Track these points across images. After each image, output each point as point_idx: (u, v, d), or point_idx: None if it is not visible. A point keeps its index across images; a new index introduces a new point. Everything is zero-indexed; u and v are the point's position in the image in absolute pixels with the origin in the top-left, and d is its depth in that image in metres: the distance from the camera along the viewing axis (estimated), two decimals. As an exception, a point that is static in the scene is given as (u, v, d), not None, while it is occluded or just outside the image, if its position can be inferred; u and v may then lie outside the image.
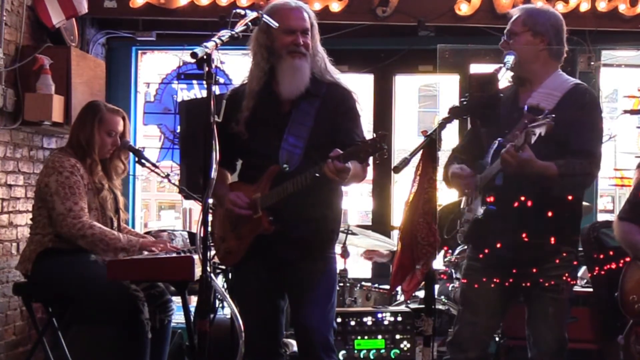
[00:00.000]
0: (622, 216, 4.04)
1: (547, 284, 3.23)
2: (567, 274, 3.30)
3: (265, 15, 2.96)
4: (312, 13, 3.27)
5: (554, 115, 2.96)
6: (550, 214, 3.16)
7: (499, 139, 3.19)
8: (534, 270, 3.23)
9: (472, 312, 3.36)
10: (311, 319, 3.18)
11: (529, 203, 3.13)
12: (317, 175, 2.97)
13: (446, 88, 11.89)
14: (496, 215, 3.18)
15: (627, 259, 4.08)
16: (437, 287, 4.86)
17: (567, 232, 3.31)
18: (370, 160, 3.13)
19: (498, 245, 3.20)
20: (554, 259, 3.26)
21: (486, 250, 3.25)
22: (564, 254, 3.29)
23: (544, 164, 3.09)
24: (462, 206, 3.47)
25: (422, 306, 3.28)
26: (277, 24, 3.02)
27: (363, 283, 5.03)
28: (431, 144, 2.73)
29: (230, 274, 4.32)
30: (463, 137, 3.59)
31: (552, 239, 3.21)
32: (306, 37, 3.19)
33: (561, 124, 3.01)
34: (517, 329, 3.73)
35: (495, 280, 3.27)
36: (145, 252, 3.91)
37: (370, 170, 5.27)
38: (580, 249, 4.78)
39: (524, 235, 3.16)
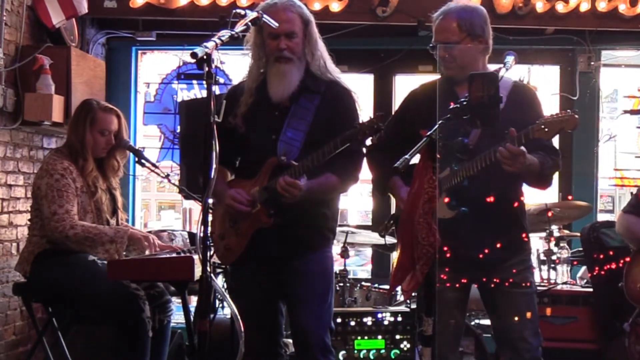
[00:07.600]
0: (627, 209, 4.05)
1: (518, 281, 3.20)
2: (532, 268, 3.33)
3: (265, 16, 2.93)
4: (305, 12, 3.20)
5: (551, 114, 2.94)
6: (512, 211, 3.16)
7: (459, 138, 3.09)
8: (501, 268, 3.19)
9: (444, 318, 3.15)
10: (306, 319, 3.18)
11: (492, 201, 3.10)
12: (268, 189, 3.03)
13: (446, 88, 11.84)
14: (460, 216, 3.12)
15: (627, 259, 4.09)
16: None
17: (526, 227, 3.32)
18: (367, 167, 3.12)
19: (464, 246, 3.12)
20: (520, 255, 3.26)
21: (449, 252, 3.08)
22: (527, 249, 3.32)
23: (534, 158, 3.02)
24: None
25: (422, 306, 3.27)
26: (276, 24, 3.01)
27: (363, 283, 5.03)
28: (431, 144, 2.73)
29: (229, 274, 4.31)
30: (386, 133, 3.26)
31: (520, 235, 3.22)
32: (291, 40, 3.14)
33: (513, 122, 2.99)
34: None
35: (463, 281, 3.21)
36: (151, 251, 3.92)
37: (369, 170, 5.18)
38: (580, 248, 4.80)
39: (490, 234, 3.14)
